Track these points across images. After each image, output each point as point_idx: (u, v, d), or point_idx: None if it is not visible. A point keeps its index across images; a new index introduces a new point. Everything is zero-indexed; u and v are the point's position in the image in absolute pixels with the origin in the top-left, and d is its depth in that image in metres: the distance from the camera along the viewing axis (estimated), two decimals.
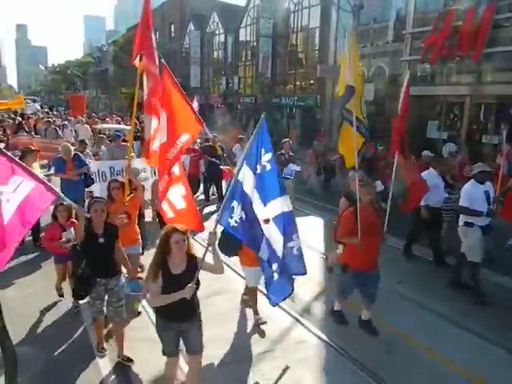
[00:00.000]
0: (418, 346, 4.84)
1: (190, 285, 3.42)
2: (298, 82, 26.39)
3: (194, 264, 3.56)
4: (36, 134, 15.55)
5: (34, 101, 44.08)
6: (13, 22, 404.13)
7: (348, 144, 5.40)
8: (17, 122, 18.49)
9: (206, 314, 3.86)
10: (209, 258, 3.59)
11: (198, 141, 12.53)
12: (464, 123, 15.75)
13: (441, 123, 16.62)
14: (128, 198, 5.37)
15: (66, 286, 5.47)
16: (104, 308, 4.47)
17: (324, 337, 5.04)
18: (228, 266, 6.13)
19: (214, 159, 10.83)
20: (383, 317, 5.29)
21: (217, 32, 35.20)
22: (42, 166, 12.09)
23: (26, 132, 15.93)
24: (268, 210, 3.78)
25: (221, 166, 9.84)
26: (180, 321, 3.59)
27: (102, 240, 4.28)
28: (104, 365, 4.44)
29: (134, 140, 9.69)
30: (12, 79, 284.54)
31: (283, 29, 26.45)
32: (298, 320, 5.44)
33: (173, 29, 42.51)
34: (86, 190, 8.22)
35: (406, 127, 6.92)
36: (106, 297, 4.42)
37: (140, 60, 5.07)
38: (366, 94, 18.39)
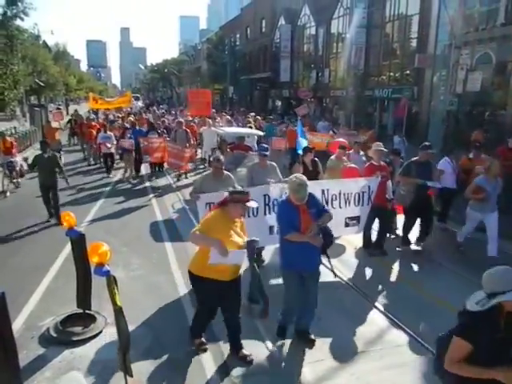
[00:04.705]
0: None
1: None
2: (391, 73, 25.20)
3: None
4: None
5: (137, 98, 45.59)
6: (117, 25, 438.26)
7: None
8: (149, 120, 16.92)
9: None
10: None
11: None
12: None
13: None
14: None
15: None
16: None
17: (421, 341, 4.75)
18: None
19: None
20: None
21: (308, 25, 34.84)
22: None
23: (158, 133, 13.92)
24: None
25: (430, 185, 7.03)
26: None
27: None
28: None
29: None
30: (116, 79, 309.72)
31: (378, 18, 25.41)
32: (395, 322, 5.22)
33: (264, 24, 42.91)
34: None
35: None
36: None
37: None
38: (471, 84, 17.19)
